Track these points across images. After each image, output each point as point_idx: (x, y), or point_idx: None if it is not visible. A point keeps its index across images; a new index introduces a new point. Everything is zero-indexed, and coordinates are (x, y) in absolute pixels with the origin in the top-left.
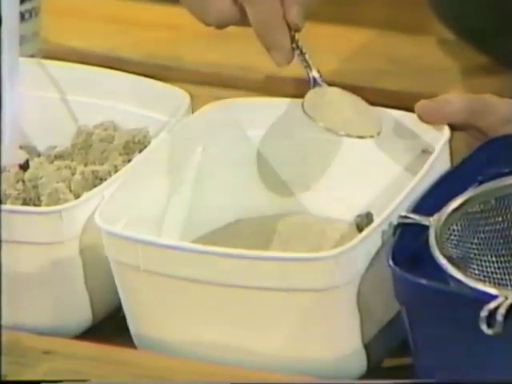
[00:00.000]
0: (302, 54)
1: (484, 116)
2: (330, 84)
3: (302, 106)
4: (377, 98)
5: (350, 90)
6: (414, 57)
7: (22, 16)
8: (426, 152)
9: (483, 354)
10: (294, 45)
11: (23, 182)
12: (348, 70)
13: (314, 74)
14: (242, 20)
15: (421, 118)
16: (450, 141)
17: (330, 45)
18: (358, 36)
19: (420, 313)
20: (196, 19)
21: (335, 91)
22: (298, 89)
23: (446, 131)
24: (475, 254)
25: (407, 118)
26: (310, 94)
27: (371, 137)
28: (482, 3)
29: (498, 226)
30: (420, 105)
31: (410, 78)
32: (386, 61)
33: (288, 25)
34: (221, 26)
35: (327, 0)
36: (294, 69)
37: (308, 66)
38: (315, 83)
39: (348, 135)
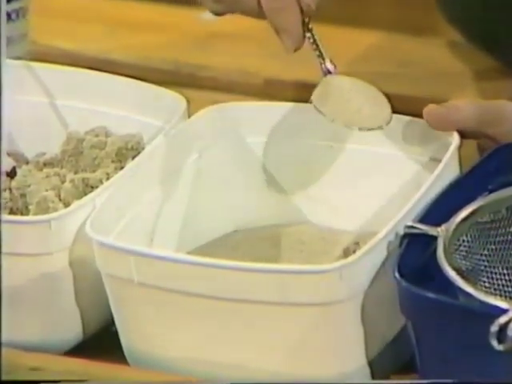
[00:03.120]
0: (314, 41)
1: (495, 123)
2: None
3: (311, 98)
4: None
5: None
6: (423, 60)
7: (9, 16)
8: (434, 160)
9: (494, 371)
10: (306, 31)
11: (10, 190)
12: (354, 73)
13: (328, 64)
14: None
15: (429, 124)
16: (460, 148)
17: (335, 47)
18: (365, 39)
19: (427, 328)
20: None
21: (346, 80)
22: (298, 93)
23: (456, 138)
24: (485, 266)
25: (415, 124)
26: (321, 84)
27: (379, 127)
28: (492, 5)
29: (509, 237)
30: (428, 110)
31: (418, 82)
32: (393, 64)
33: (300, 8)
34: (225, 9)
35: (334, 1)
36: (294, 73)
37: (321, 56)
38: (328, 74)
39: (352, 127)
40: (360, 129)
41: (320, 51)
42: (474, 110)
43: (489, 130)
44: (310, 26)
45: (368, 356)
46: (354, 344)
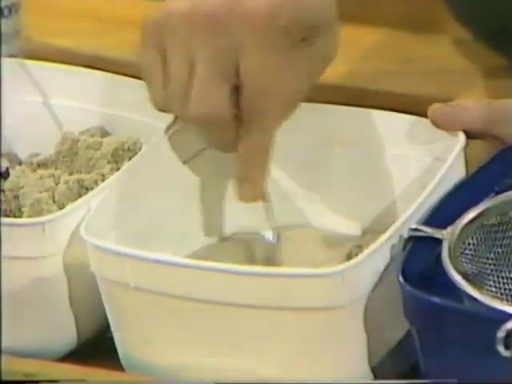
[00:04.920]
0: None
1: (503, 124)
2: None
3: None
4: (388, 101)
5: (359, 93)
6: (428, 58)
7: (1, 12)
8: (439, 160)
9: (500, 378)
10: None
11: (3, 191)
12: (358, 71)
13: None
14: (225, 134)
15: (434, 124)
16: (466, 149)
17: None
18: (369, 36)
19: (432, 333)
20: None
21: None
22: None
23: (461, 138)
24: (492, 270)
25: (420, 124)
26: None
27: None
28: (500, 2)
29: None
30: (434, 109)
31: (424, 81)
32: (398, 62)
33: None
34: (199, 123)
35: None
36: None
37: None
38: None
39: None
40: None
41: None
42: (480, 109)
43: (496, 131)
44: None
45: (371, 362)
46: (356, 349)
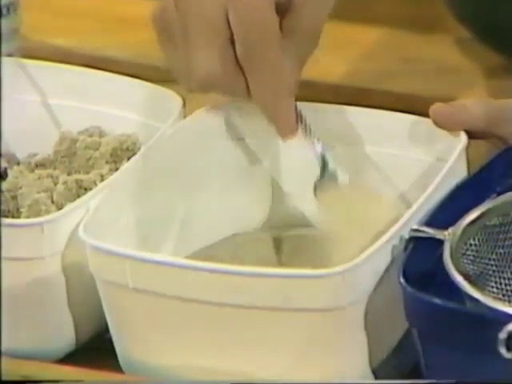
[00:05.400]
0: (305, 126)
1: (505, 124)
2: (339, 86)
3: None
4: (388, 101)
5: (360, 93)
6: (429, 57)
7: (0, 11)
8: (440, 160)
9: (502, 379)
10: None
11: (1, 192)
12: (358, 71)
13: (318, 147)
14: (233, 86)
15: (436, 124)
16: (467, 149)
17: (338, 44)
18: (369, 35)
19: (433, 335)
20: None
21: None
22: (298, 91)
23: (463, 138)
24: (494, 271)
25: (421, 124)
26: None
27: None
28: (500, 2)
29: None
30: (435, 109)
31: (424, 80)
32: (398, 61)
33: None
34: (205, 89)
35: None
36: None
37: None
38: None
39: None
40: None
41: (311, 135)
42: (482, 109)
43: (498, 130)
44: (301, 114)
45: (372, 363)
46: (357, 351)
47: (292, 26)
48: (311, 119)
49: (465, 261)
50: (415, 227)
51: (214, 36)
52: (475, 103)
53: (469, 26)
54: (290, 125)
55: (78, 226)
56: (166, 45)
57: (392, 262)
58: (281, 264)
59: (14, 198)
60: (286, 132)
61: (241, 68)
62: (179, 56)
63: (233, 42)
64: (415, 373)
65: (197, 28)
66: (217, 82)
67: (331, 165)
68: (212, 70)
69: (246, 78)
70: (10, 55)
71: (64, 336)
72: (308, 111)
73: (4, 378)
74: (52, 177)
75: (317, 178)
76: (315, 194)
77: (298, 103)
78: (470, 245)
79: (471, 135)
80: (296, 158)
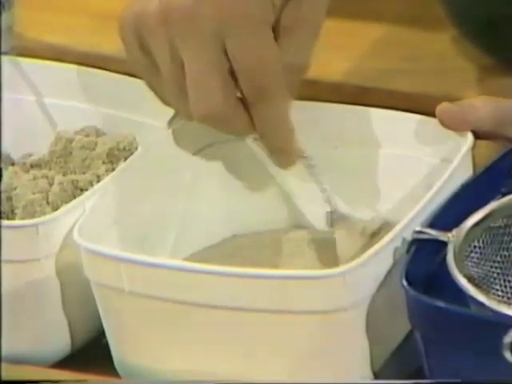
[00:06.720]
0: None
1: None
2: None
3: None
4: (390, 100)
5: (361, 92)
6: (432, 55)
7: None
8: (446, 161)
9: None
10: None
11: None
12: (359, 69)
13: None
14: (236, 122)
15: (442, 124)
16: (473, 149)
17: (338, 42)
18: (370, 32)
19: (437, 338)
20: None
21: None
22: (300, 91)
23: (469, 139)
24: (498, 274)
25: (426, 124)
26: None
27: None
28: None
29: None
30: (442, 108)
31: (427, 79)
32: (400, 59)
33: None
34: (206, 125)
35: None
36: None
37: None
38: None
39: None
40: None
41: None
42: (490, 109)
43: (506, 132)
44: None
45: (373, 367)
46: (358, 354)
47: (292, 21)
48: (313, 118)
49: (469, 263)
50: (418, 229)
51: (215, 65)
52: (483, 103)
53: (457, 26)
54: (292, 157)
55: (73, 227)
56: (137, 56)
57: (395, 263)
58: (280, 266)
59: (9, 199)
60: (286, 164)
61: (242, 102)
62: (169, 86)
63: (232, 74)
64: (417, 376)
65: (193, 50)
66: (219, 119)
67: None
68: (214, 106)
69: (247, 113)
70: (4, 53)
71: (59, 339)
72: (310, 110)
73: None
74: (47, 177)
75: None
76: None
77: (303, 102)
78: (474, 247)
79: (479, 136)
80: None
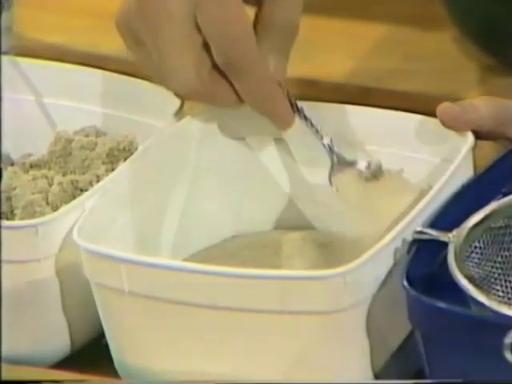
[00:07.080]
0: (305, 118)
1: None
2: (341, 85)
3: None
4: (390, 100)
5: (361, 92)
6: (432, 55)
7: None
8: (446, 161)
9: None
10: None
11: None
12: (359, 69)
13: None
14: (215, 93)
15: (443, 124)
16: (474, 149)
17: (339, 42)
18: (370, 32)
19: (438, 339)
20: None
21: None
22: (299, 90)
23: (470, 139)
24: (499, 274)
25: (427, 124)
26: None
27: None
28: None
29: None
30: (442, 108)
31: (427, 79)
32: (400, 59)
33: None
34: (188, 99)
35: None
36: (295, 70)
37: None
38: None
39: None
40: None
41: (312, 125)
42: (491, 108)
43: (507, 131)
44: (298, 105)
45: (374, 368)
46: (359, 355)
47: (268, 18)
48: (313, 118)
49: (469, 263)
50: (419, 229)
51: (186, 43)
52: (484, 103)
53: (461, 27)
54: (286, 115)
55: (73, 227)
56: (136, 51)
57: (395, 264)
58: (280, 266)
59: (9, 199)
60: (283, 124)
61: (220, 73)
62: (154, 65)
63: (206, 47)
64: (418, 376)
65: (166, 35)
66: (197, 92)
67: (337, 149)
68: (188, 79)
69: (229, 83)
70: (4, 53)
71: (59, 340)
72: (310, 110)
73: None
74: (47, 178)
75: (330, 165)
76: (330, 183)
77: (304, 102)
78: (475, 247)
79: (480, 136)
80: (297, 158)
